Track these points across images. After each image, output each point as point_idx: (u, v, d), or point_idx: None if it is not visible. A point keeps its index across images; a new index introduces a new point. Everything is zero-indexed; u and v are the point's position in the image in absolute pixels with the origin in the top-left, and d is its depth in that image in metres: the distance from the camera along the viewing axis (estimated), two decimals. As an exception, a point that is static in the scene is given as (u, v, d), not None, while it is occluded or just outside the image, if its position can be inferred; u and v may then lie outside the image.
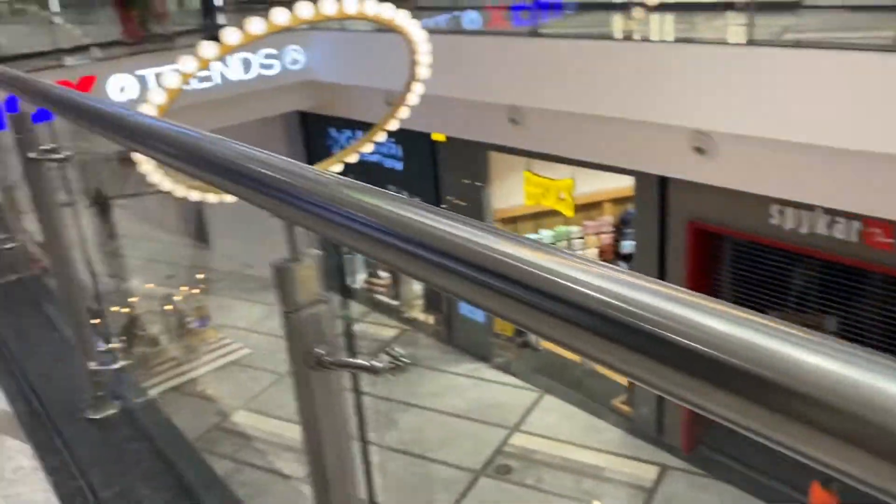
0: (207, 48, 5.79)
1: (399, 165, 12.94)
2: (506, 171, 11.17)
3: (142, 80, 10.45)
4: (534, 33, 8.80)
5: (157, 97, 6.00)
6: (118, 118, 1.33)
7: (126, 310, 13.25)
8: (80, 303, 1.80)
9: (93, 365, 1.79)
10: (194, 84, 11.11)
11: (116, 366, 1.83)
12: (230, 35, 5.71)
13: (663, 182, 8.45)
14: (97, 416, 1.74)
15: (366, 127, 13.18)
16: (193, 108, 11.03)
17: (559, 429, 9.84)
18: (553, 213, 10.84)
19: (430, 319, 13.22)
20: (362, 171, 12.00)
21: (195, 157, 1.06)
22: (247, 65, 11.27)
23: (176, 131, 1.14)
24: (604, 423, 9.94)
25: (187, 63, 5.84)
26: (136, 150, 1.28)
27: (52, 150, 1.74)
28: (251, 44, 11.35)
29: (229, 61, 11.16)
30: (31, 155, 1.73)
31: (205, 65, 5.94)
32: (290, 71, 11.90)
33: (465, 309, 11.83)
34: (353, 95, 12.39)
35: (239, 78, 11.28)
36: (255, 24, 5.71)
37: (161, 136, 1.17)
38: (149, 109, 6.34)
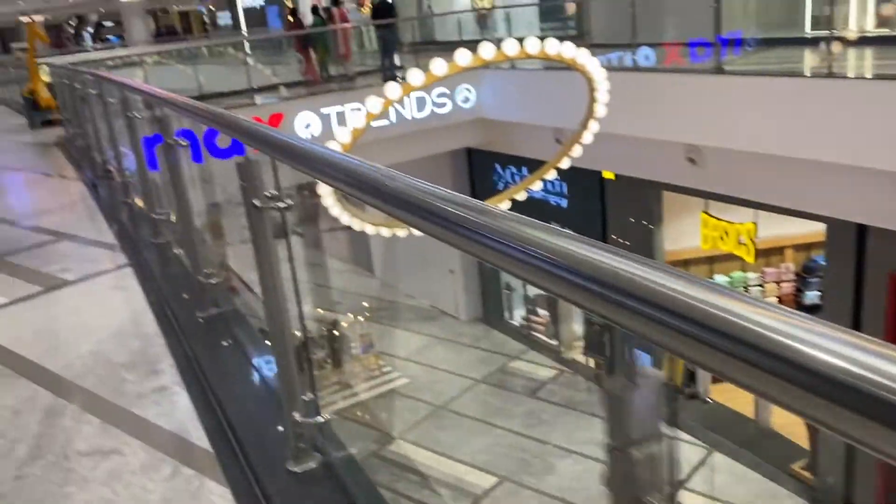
0: (392, 89, 5.95)
1: (564, 203, 12.76)
2: (679, 211, 10.69)
3: (325, 118, 11.01)
4: (718, 70, 8.37)
5: (343, 136, 6.23)
6: (311, 154, 1.42)
7: (298, 333, 13.80)
8: (290, 354, 1.80)
9: (297, 416, 1.77)
10: (374, 123, 11.58)
11: (320, 419, 1.81)
12: (414, 76, 5.84)
13: (861, 230, 7.69)
14: (298, 469, 1.72)
15: (531, 163, 13.15)
16: (368, 145, 11.47)
17: (730, 491, 9.12)
18: (728, 258, 10.21)
19: (591, 362, 12.82)
20: (526, 207, 11.93)
21: (382, 193, 1.13)
22: (421, 103, 11.59)
23: (365, 168, 1.21)
24: (781, 489, 9.11)
25: (373, 103, 6.03)
26: (328, 184, 1.37)
27: (275, 199, 1.81)
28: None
29: (405, 100, 11.53)
30: (256, 202, 1.78)
31: (388, 105, 6.11)
32: (462, 109, 12.12)
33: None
34: (520, 132, 12.39)
35: (413, 116, 11.61)
36: (438, 66, 5.81)
37: (350, 171, 1.26)
38: (335, 148, 6.62)
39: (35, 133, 10.98)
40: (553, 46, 6.16)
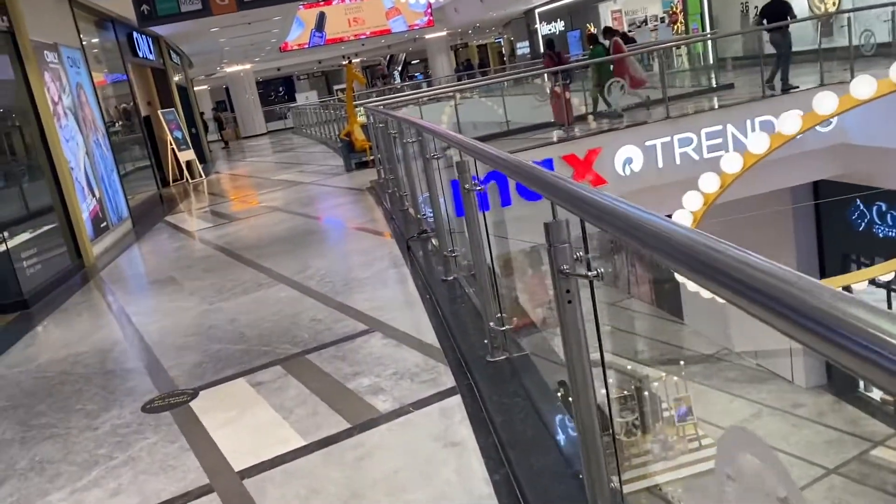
0: (826, 101, 4.26)
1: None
2: None
3: (649, 152, 9.50)
4: None
5: (709, 184, 4.69)
6: (619, 214, 1.28)
7: (602, 390, 12.45)
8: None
9: None
10: (705, 153, 9.82)
11: None
12: (823, 102, 4.10)
13: None
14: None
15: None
16: (685, 182, 9.70)
17: None
18: None
19: None
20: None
21: (687, 257, 1.00)
22: (767, 128, 9.56)
23: (676, 232, 1.06)
24: None
25: (758, 142, 4.41)
26: (627, 242, 1.23)
27: (580, 260, 1.65)
28: (775, 105, 9.57)
29: (748, 126, 9.60)
30: (564, 268, 1.62)
31: (780, 142, 4.43)
32: (817, 134, 9.82)
33: None
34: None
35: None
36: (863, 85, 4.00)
37: (653, 232, 1.13)
38: (693, 201, 5.11)
39: (350, 176, 10.92)
40: None
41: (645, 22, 27.12)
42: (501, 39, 42.23)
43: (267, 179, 12.82)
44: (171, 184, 14.15)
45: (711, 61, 16.33)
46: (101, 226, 8.05)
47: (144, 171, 11.43)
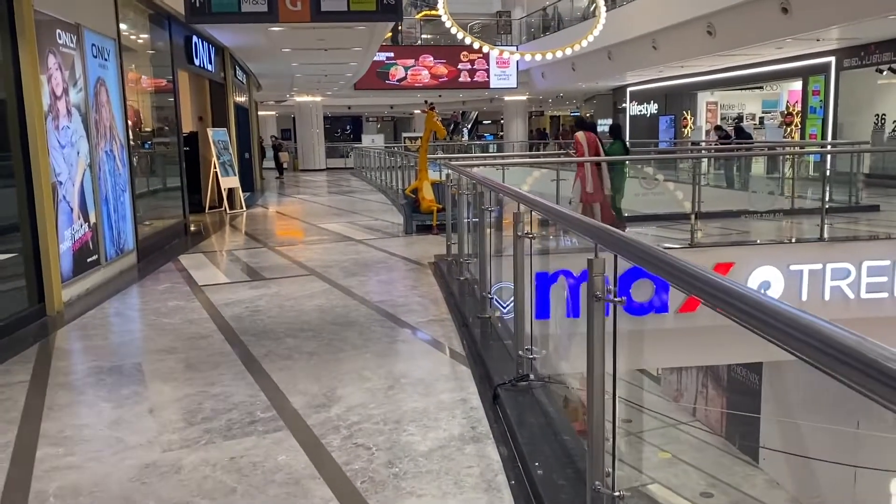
0: None
1: None
2: None
3: (793, 277, 7.43)
4: None
5: None
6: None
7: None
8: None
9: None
10: (862, 292, 7.71)
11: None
12: None
13: None
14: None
15: None
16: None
17: None
18: None
19: None
20: None
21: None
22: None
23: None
24: None
25: None
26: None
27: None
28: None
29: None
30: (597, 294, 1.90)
31: None
32: None
33: None
34: None
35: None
36: None
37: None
38: None
39: (409, 242, 9.04)
40: None
41: (740, 118, 25.25)
42: (578, 112, 40.73)
43: (313, 226, 11.05)
44: (206, 211, 12.51)
45: (827, 174, 14.20)
46: (89, 260, 6.26)
47: (171, 193, 9.72)
